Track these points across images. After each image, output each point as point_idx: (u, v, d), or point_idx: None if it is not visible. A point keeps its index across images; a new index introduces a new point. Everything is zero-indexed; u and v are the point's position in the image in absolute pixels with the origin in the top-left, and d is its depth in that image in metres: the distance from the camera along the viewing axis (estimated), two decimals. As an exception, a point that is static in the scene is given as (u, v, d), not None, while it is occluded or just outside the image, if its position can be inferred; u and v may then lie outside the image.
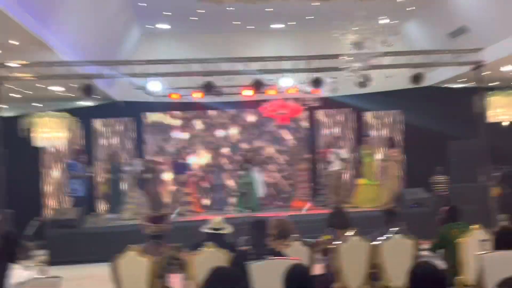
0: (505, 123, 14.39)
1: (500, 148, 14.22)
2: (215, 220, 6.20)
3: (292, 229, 5.99)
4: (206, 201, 15.68)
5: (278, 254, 5.05)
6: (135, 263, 5.41)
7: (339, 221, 5.98)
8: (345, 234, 5.75)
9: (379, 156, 14.70)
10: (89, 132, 15.55)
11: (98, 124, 15.79)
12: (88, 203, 13.73)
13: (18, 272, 4.60)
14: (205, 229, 6.16)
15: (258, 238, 5.14)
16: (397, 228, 5.95)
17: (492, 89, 14.10)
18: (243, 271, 4.62)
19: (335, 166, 13.59)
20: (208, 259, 5.45)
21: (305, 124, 16.57)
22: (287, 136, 16.55)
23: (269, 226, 5.80)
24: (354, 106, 16.37)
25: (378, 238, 5.84)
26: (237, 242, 6.32)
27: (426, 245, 6.24)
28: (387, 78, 11.22)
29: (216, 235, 5.98)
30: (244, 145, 16.26)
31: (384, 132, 16.21)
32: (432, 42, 14.78)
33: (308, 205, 13.24)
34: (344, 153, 13.92)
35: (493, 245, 4.58)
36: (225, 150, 16.34)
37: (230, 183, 15.84)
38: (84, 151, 13.97)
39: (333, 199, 13.50)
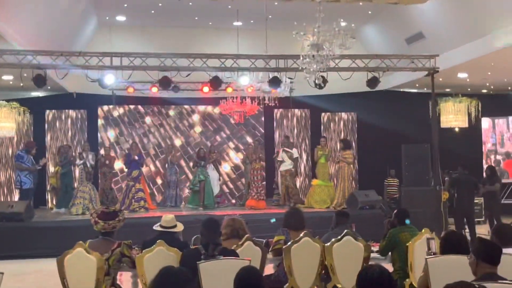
0: (456, 129, 14.80)
1: (450, 153, 14.63)
2: (166, 217, 6.13)
3: (244, 228, 5.99)
4: (159, 198, 15.57)
5: (230, 253, 5.04)
6: (83, 260, 5.29)
7: (295, 222, 5.99)
8: (298, 234, 5.78)
9: (333, 157, 14.86)
10: (40, 123, 15.21)
11: (50, 115, 15.45)
12: (36, 197, 13.42)
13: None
14: (156, 227, 6.09)
15: (210, 237, 5.11)
16: (348, 230, 6.01)
17: (445, 95, 14.48)
18: (194, 271, 4.59)
19: (286, 165, 13.65)
20: (158, 257, 5.39)
21: (262, 123, 16.63)
22: (244, 134, 16.57)
23: (222, 225, 5.79)
24: (311, 106, 16.55)
25: (330, 239, 5.89)
26: (189, 240, 6.28)
27: (376, 247, 6.34)
28: (344, 80, 11.38)
29: (167, 233, 5.91)
30: (200, 142, 16.20)
31: (339, 134, 16.44)
32: (388, 47, 15.06)
33: None
34: (295, 152, 13.99)
35: (440, 250, 4.68)
36: (180, 146, 16.25)
37: (184, 180, 15.76)
38: (34, 142, 13.65)
39: (284, 199, 13.58)
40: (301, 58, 8.21)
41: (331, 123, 16.59)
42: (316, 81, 8.57)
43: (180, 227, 6.13)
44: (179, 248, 5.48)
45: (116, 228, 5.60)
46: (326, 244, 5.81)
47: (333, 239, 5.85)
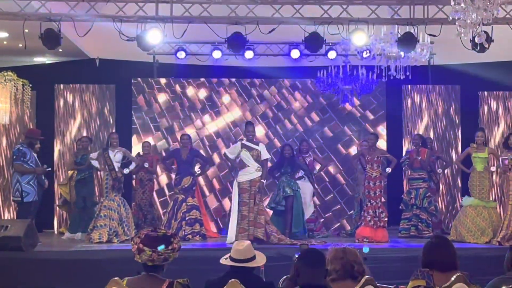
0: None
1: None
2: (240, 246, 6.26)
3: (361, 263, 6.04)
4: (223, 221, 15.78)
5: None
6: (120, 306, 5.48)
7: (441, 258, 5.97)
8: (447, 278, 5.77)
9: (497, 161, 14.59)
10: (47, 103, 15.78)
11: (60, 91, 15.98)
12: (39, 215, 13.84)
13: None
14: (225, 261, 6.23)
15: (311, 277, 5.20)
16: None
17: None
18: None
19: (250, 173, 13.11)
20: (231, 305, 5.53)
21: (384, 106, 16.55)
22: (355, 123, 16.53)
23: (328, 258, 5.86)
24: (463, 81, 16.30)
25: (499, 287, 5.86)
26: (275, 282, 6.39)
27: None
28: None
29: (242, 270, 6.06)
30: (285, 134, 16.34)
31: (510, 124, 16.11)
32: None
33: None
34: (263, 149, 13.38)
35: None
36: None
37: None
38: (39, 131, 14.10)
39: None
40: (452, 3, 8.16)
41: (495, 107, 16.26)
42: (476, 40, 8.49)
43: (261, 260, 6.25)
44: (262, 292, 5.60)
45: (169, 260, 5.76)
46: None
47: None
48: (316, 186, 15.51)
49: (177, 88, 16.55)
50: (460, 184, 15.90)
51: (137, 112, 16.35)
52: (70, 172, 14.66)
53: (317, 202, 15.75)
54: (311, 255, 5.37)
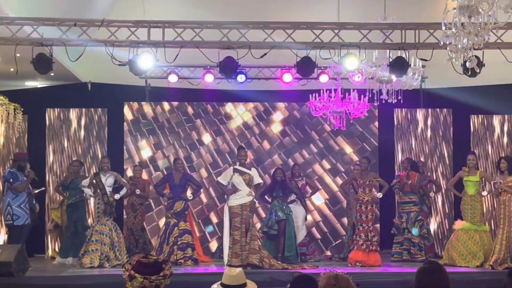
0: None
1: None
2: (231, 272, 6.26)
3: (355, 291, 6.03)
4: (214, 246, 15.73)
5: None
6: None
7: (434, 284, 5.98)
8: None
9: (489, 185, 14.62)
10: (38, 128, 15.78)
11: (52, 115, 16.00)
12: (30, 240, 13.78)
13: None
14: (216, 287, 6.22)
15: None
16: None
17: None
18: None
19: (241, 197, 13.08)
20: (223, 333, 5.52)
21: (376, 130, 16.57)
22: (347, 147, 16.54)
23: (320, 286, 5.85)
24: (455, 105, 16.33)
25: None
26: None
27: None
28: (509, 63, 11.20)
29: (233, 296, 6.05)
30: (278, 158, 16.31)
31: (502, 147, 16.10)
32: None
33: None
34: (256, 173, 13.55)
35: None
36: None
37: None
38: (26, 153, 14.08)
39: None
40: (443, 28, 8.20)
41: (486, 131, 16.29)
42: (467, 64, 8.53)
43: (252, 287, 6.25)
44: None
45: (160, 287, 5.76)
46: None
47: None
48: (313, 208, 15.53)
49: (169, 111, 16.56)
50: (453, 208, 15.89)
51: (129, 135, 16.36)
52: (62, 197, 14.59)
53: (313, 221, 15.76)
54: (303, 282, 5.37)
